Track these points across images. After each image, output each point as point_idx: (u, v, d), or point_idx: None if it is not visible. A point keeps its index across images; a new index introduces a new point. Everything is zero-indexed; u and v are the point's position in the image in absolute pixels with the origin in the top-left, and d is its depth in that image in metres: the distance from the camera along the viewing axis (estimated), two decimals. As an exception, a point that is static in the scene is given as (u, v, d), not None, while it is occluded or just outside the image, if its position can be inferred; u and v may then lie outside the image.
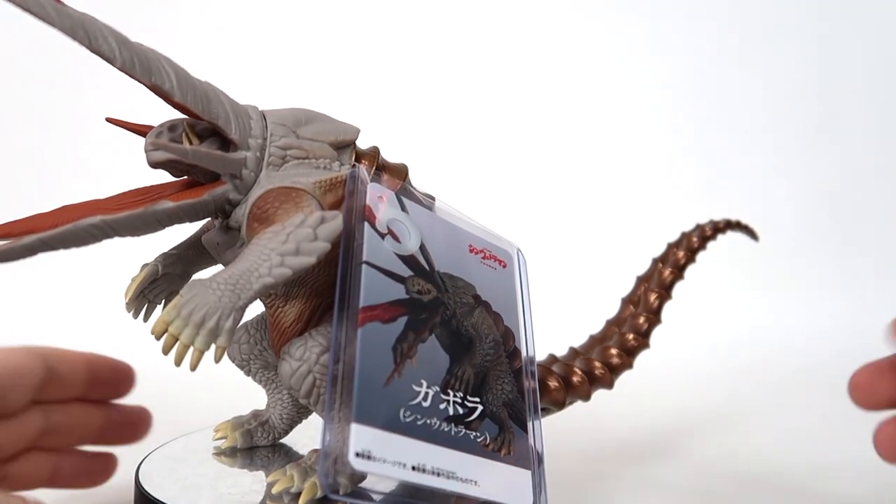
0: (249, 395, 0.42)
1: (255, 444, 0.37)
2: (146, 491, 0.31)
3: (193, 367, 0.27)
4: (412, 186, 0.35)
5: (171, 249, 0.36)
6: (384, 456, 0.25)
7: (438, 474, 0.27)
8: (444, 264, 0.32)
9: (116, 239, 0.33)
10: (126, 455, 0.36)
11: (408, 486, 0.27)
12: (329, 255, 0.31)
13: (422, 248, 0.31)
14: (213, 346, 0.28)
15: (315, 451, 0.31)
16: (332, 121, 0.34)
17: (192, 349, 0.27)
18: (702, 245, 0.51)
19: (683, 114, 1.02)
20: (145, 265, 0.35)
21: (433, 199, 0.35)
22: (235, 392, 0.44)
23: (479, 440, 0.29)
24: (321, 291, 0.32)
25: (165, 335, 0.27)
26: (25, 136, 0.78)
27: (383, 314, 0.29)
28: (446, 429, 0.28)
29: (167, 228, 0.33)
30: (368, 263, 0.29)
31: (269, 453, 0.37)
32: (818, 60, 1.05)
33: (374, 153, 0.34)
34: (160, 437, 0.38)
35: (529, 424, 0.31)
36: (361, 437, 0.25)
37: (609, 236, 0.91)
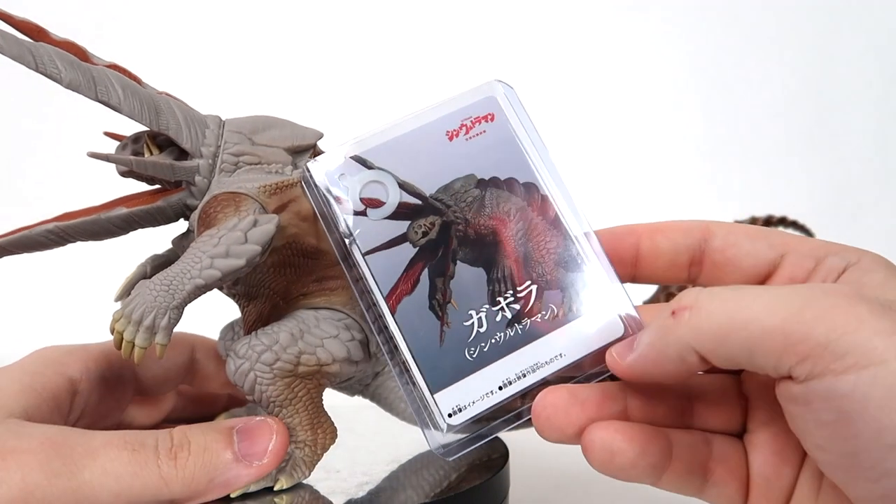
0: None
1: (244, 436, 0.39)
2: None
3: (137, 362, 0.30)
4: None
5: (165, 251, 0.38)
6: (471, 399, 0.28)
7: (524, 375, 0.29)
8: (435, 178, 0.31)
9: (120, 241, 0.37)
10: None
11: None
12: (284, 258, 0.33)
13: (403, 187, 0.31)
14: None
15: None
16: (293, 126, 0.35)
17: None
18: None
19: (684, 109, 0.99)
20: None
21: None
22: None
23: (546, 318, 0.29)
24: (278, 291, 0.34)
25: (115, 332, 0.29)
26: (29, 146, 0.86)
27: (406, 286, 0.29)
28: (511, 334, 0.29)
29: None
30: (368, 252, 0.30)
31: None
32: (821, 57, 1.00)
33: (332, 155, 0.35)
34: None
35: (592, 255, 0.30)
36: (445, 400, 0.28)
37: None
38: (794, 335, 0.22)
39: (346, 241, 0.30)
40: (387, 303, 0.29)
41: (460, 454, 0.28)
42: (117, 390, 0.35)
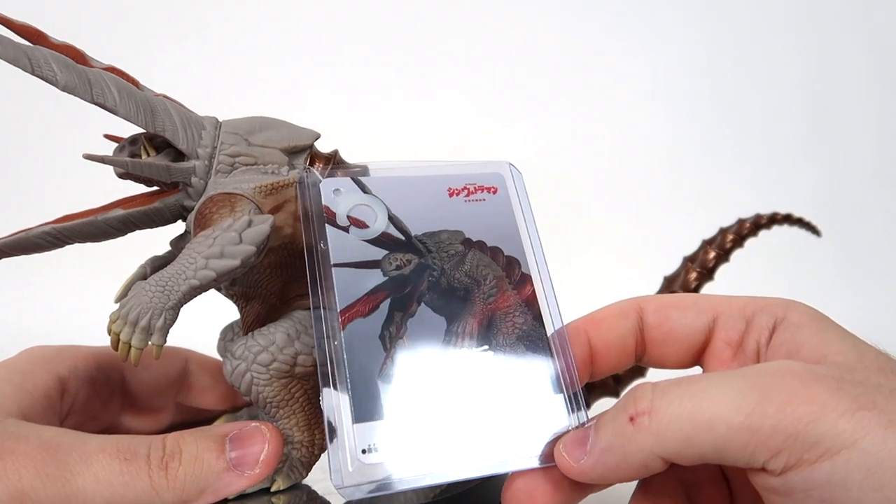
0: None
1: (244, 437, 0.39)
2: None
3: (134, 363, 0.30)
4: (343, 161, 0.34)
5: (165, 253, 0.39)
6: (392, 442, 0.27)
7: (456, 436, 0.27)
8: (424, 223, 0.32)
9: (124, 241, 0.37)
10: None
11: None
12: (280, 259, 0.33)
13: (392, 220, 0.31)
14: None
15: None
16: (290, 127, 0.35)
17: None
18: (752, 232, 0.49)
19: (685, 109, 0.99)
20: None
21: (366, 167, 0.34)
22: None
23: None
24: (275, 292, 0.34)
25: (111, 333, 0.30)
26: (27, 149, 0.86)
27: (363, 308, 0.29)
28: None
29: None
30: (338, 265, 0.30)
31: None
32: (821, 56, 1.00)
33: (329, 155, 0.35)
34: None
35: (553, 345, 0.30)
36: (363, 434, 0.26)
37: (608, 237, 0.89)
38: (762, 431, 0.22)
39: (320, 246, 0.30)
40: (340, 316, 0.28)
41: (361, 497, 0.26)
42: (104, 392, 0.36)
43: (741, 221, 0.49)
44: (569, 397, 0.29)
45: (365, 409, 0.27)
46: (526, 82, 0.97)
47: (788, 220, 0.51)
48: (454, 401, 0.28)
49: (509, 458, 0.27)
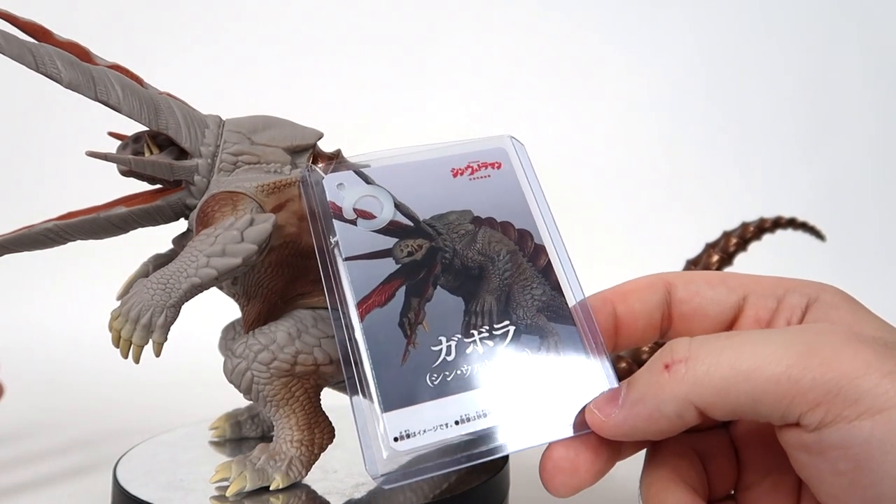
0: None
1: (245, 435, 0.39)
2: (121, 465, 0.35)
3: (135, 360, 0.30)
4: (346, 160, 0.34)
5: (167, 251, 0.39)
6: (422, 427, 0.26)
7: (485, 415, 0.27)
8: (431, 207, 0.32)
9: (126, 239, 0.37)
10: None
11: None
12: (281, 258, 0.33)
13: (399, 208, 0.31)
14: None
15: (263, 446, 0.32)
16: (293, 126, 0.35)
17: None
18: (756, 236, 0.49)
19: (685, 110, 0.99)
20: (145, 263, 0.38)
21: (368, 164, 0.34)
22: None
23: None
24: (276, 291, 0.34)
25: (112, 330, 0.30)
26: (32, 146, 0.87)
27: (380, 297, 0.29)
28: (480, 369, 0.28)
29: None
30: (349, 258, 0.30)
31: (255, 445, 0.38)
32: (822, 57, 1.00)
33: (332, 154, 0.35)
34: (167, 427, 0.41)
35: (575, 315, 0.30)
36: (394, 422, 0.26)
37: (607, 238, 0.89)
38: (803, 382, 0.22)
39: (330, 242, 0.29)
40: (357, 309, 0.28)
41: (396, 485, 0.26)
42: None
43: (745, 225, 0.49)
44: (597, 364, 0.28)
45: (393, 397, 0.27)
46: (527, 82, 0.97)
47: (793, 224, 0.51)
48: (482, 380, 0.28)
49: (542, 430, 0.27)
